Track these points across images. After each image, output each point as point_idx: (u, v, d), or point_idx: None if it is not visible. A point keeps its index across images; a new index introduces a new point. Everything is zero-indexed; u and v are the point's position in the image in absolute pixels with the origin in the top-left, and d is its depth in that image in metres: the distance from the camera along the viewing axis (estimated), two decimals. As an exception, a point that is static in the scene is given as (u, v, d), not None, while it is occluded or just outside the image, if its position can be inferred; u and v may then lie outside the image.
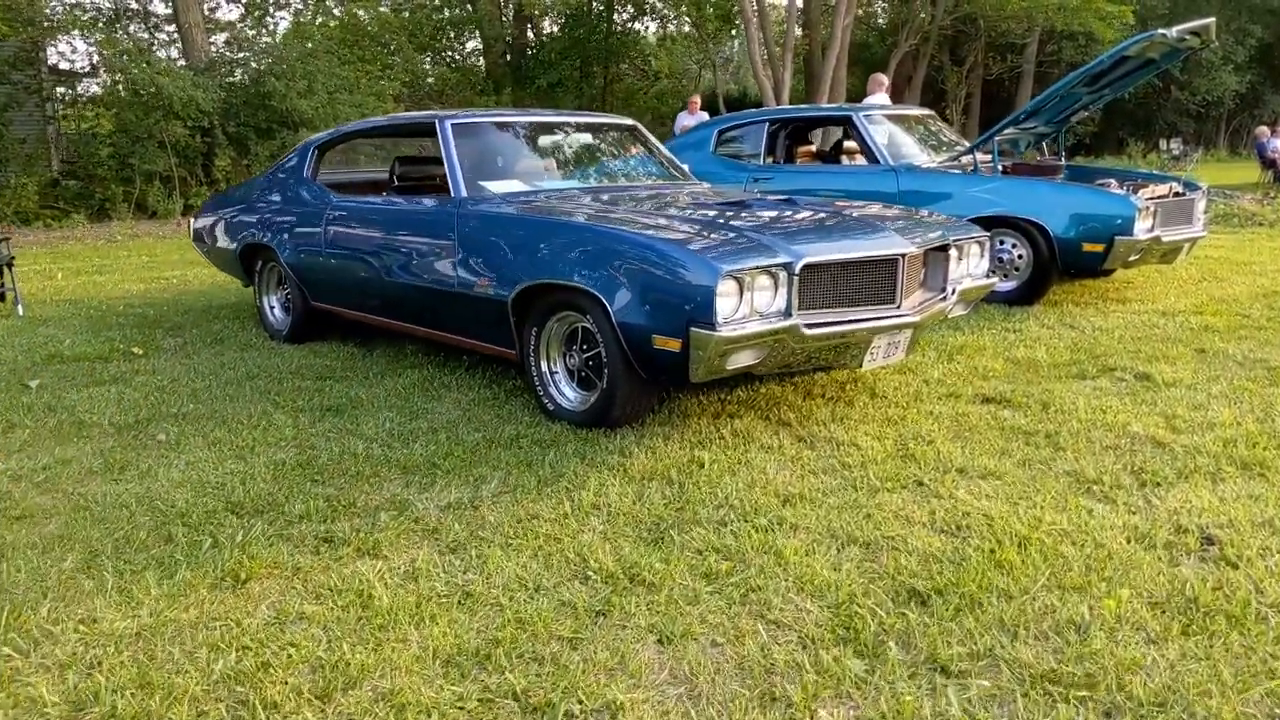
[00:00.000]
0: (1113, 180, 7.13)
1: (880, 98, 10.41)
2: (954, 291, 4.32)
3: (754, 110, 8.46)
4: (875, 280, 3.88)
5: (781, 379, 4.70)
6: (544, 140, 5.30)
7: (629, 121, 5.68)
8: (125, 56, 17.06)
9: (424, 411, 4.37)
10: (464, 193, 4.59)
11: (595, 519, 3.10)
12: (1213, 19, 6.39)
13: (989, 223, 6.62)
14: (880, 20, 31.17)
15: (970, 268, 4.52)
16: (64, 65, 21.13)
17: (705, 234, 3.76)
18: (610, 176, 5.30)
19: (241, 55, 18.79)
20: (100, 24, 20.30)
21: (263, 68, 17.94)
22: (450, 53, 27.24)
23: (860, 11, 32.21)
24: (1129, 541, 2.84)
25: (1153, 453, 3.62)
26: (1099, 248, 6.21)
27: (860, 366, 3.94)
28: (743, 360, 3.60)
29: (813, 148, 8.25)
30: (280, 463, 3.67)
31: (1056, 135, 7.77)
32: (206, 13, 23.70)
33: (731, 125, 8.21)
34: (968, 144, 7.48)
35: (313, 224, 5.50)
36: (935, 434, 3.87)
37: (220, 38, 20.76)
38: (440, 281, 4.56)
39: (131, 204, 16.49)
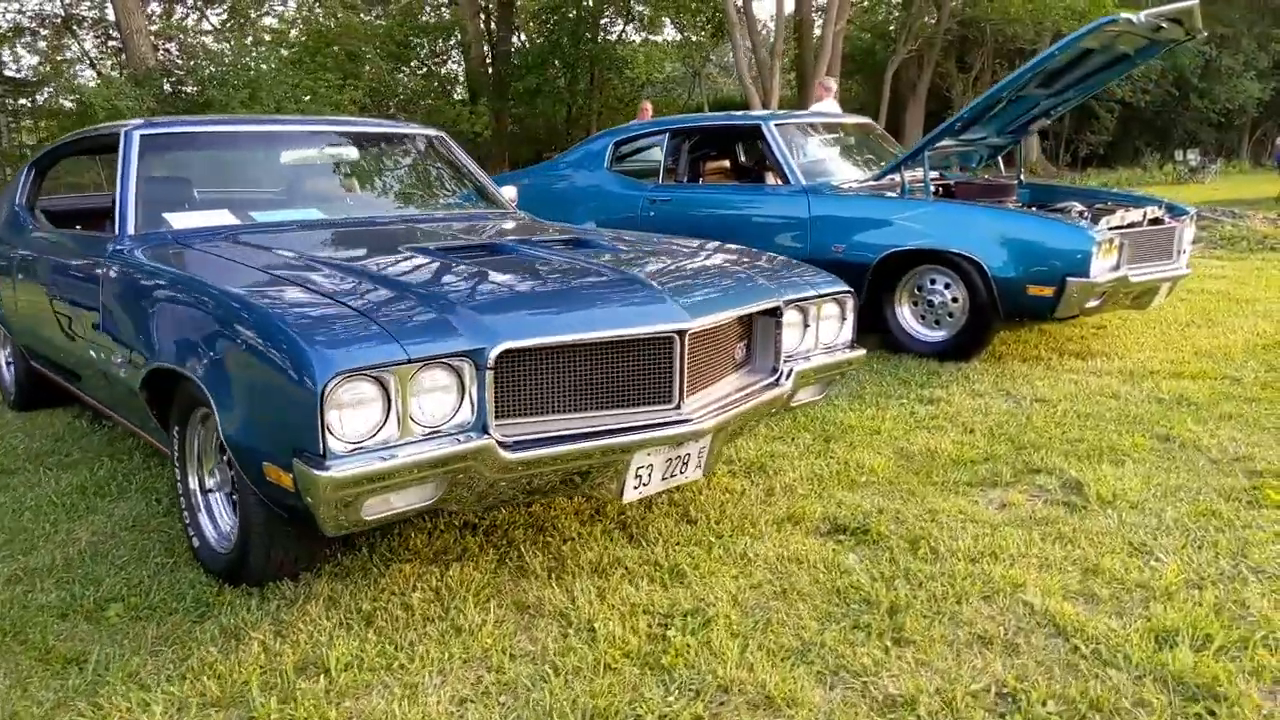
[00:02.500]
0: (1075, 203, 5.79)
1: (828, 104, 9.13)
2: (790, 374, 3.01)
3: (655, 120, 7.21)
4: (637, 370, 2.58)
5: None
6: (290, 157, 4.04)
7: (431, 132, 4.42)
8: (47, 66, 16.02)
9: (53, 536, 3.12)
10: (131, 229, 3.34)
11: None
12: (1195, 2, 5.06)
13: (917, 257, 5.30)
14: (889, 26, 29.75)
15: (822, 337, 3.21)
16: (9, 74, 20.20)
17: (374, 301, 2.47)
18: (375, 204, 4.02)
19: (180, 62, 17.70)
20: (45, 32, 19.37)
21: (203, 75, 16.86)
22: (427, 62, 26.13)
23: (860, 17, 30.91)
24: None
25: (1046, 653, 2.30)
26: (1047, 291, 4.88)
27: (621, 497, 2.64)
28: (400, 503, 2.32)
29: (725, 163, 6.95)
30: None
31: (1012, 147, 6.43)
32: (178, 20, 22.78)
33: (629, 137, 6.93)
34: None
35: (11, 261, 4.29)
36: (720, 606, 2.56)
37: (176, 45, 19.70)
38: (92, 347, 3.32)
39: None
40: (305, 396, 2.11)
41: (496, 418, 2.40)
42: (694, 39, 25.77)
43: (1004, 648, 2.32)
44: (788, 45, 24.05)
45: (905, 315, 5.48)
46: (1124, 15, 4.67)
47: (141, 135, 3.55)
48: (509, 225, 3.82)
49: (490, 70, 25.86)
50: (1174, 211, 5.82)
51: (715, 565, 2.79)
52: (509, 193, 4.53)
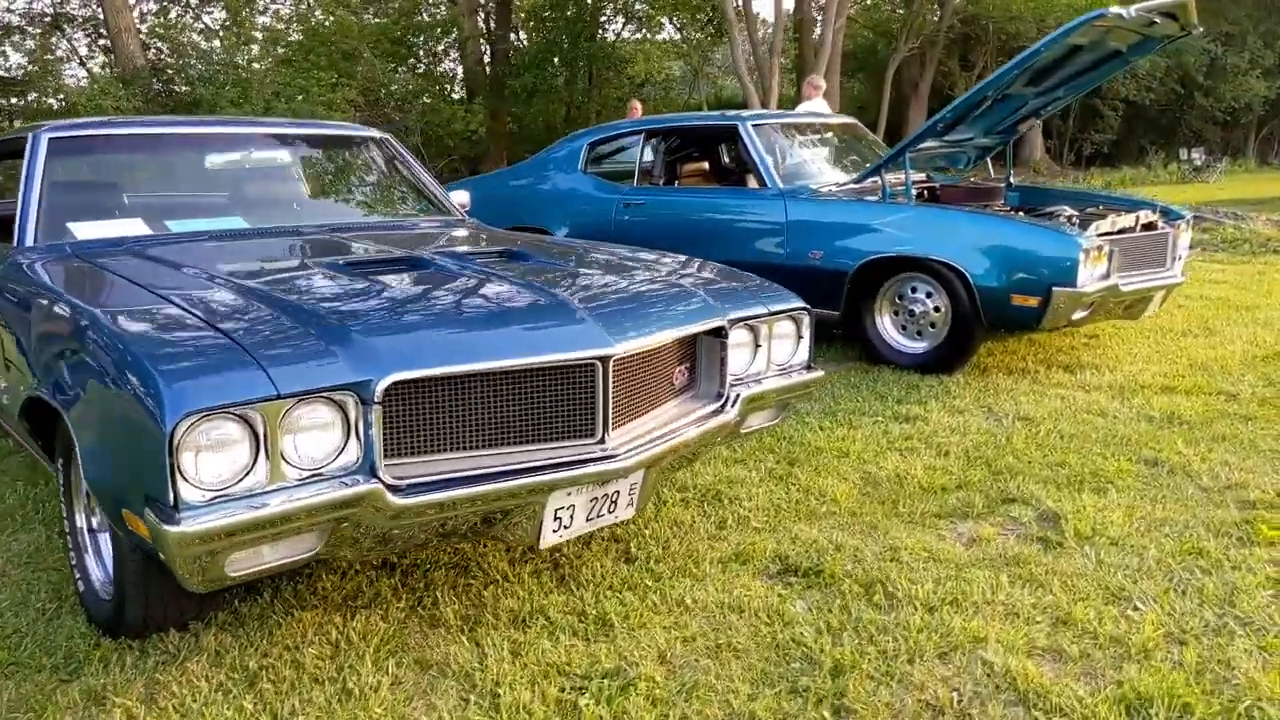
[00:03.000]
0: (1065, 207, 5.51)
1: (816, 104, 8.85)
2: (737, 400, 2.75)
3: (631, 120, 6.95)
4: (555, 401, 2.32)
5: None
6: (216, 161, 3.79)
7: (372, 134, 4.17)
8: (35, 66, 15.83)
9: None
10: (30, 239, 3.08)
11: None
12: (1189, -6, 4.79)
13: (897, 265, 5.03)
14: (893, 25, 29.37)
15: (776, 358, 2.95)
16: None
17: (256, 325, 2.21)
18: (303, 211, 3.76)
19: (170, 61, 17.46)
20: (36, 31, 19.17)
21: (192, 74, 16.64)
22: (424, 60, 25.86)
23: (863, 15, 30.60)
24: None
25: (1001, 722, 2.04)
26: (1032, 301, 4.61)
27: (538, 542, 2.38)
28: (274, 557, 2.07)
29: (704, 165, 6.67)
30: None
31: (1002, 148, 6.15)
32: (175, 19, 22.54)
33: (604, 137, 6.66)
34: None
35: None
36: (644, 666, 2.29)
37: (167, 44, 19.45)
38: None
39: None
40: (153, 438, 1.85)
41: (388, 457, 2.14)
42: (693, 38, 25.46)
43: (956, 719, 2.05)
44: (788, 44, 23.76)
45: (886, 325, 5.21)
46: (1114, 9, 4.40)
47: (50, 139, 3.29)
48: (443, 235, 3.56)
49: (488, 69, 25.60)
50: (1169, 215, 5.55)
51: (647, 614, 2.53)
52: (459, 197, 4.27)
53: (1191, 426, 4.03)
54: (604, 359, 2.31)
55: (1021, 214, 5.32)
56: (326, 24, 21.66)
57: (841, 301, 5.25)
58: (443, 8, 25.19)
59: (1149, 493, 3.30)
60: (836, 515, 3.19)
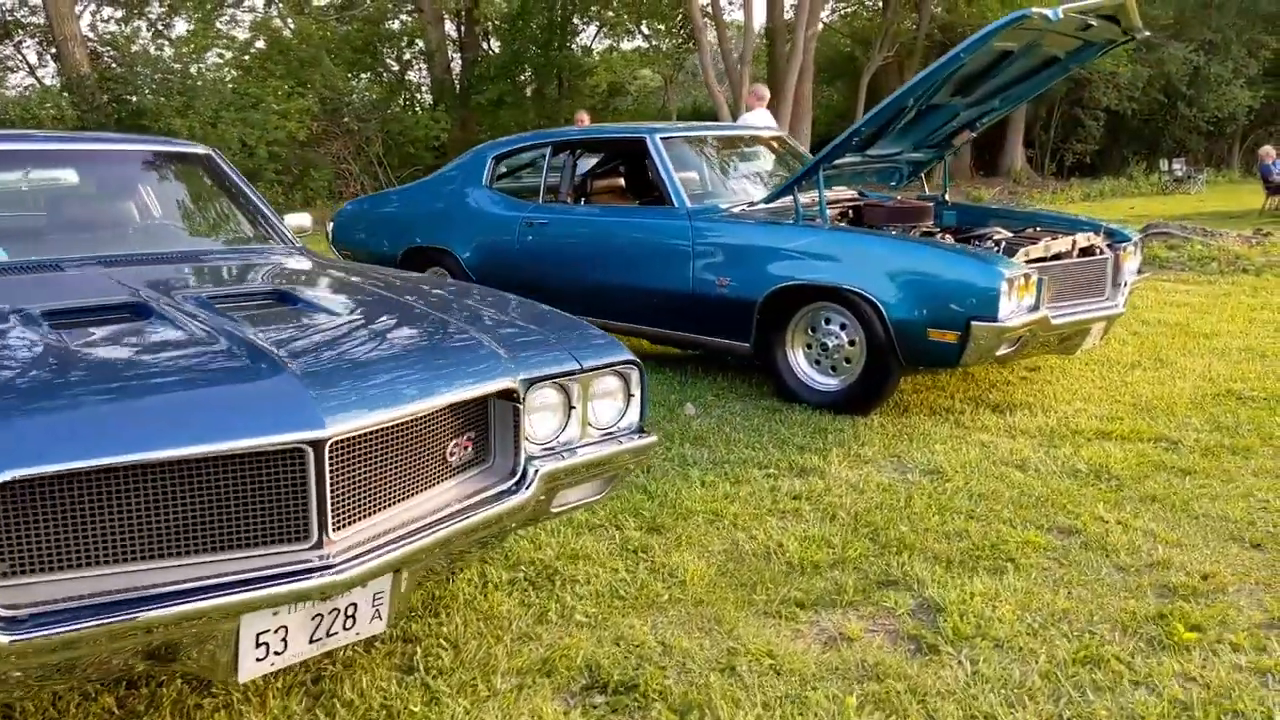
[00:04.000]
0: (998, 229, 5.04)
1: (759, 114, 8.38)
2: (535, 476, 2.25)
3: (537, 131, 6.44)
4: (251, 498, 1.82)
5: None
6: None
7: (193, 150, 3.67)
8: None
9: None
10: None
11: None
12: (1126, -6, 4.33)
13: (808, 293, 4.55)
14: (871, 33, 28.96)
15: (597, 420, 2.45)
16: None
17: None
18: (85, 240, 3.23)
19: (117, 70, 16.91)
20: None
21: (137, 83, 16.12)
22: (389, 70, 25.39)
23: (841, 24, 30.25)
24: None
25: None
26: (950, 336, 4.12)
27: (236, 674, 1.87)
28: None
29: (620, 182, 6.18)
30: None
31: (936, 163, 5.68)
32: (131, 29, 22.02)
33: (511, 150, 6.17)
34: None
35: None
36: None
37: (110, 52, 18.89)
38: None
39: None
40: None
41: (3, 578, 1.64)
42: (663, 46, 25.04)
43: None
44: (759, 52, 23.36)
45: (798, 359, 4.72)
46: (1038, 10, 3.92)
47: None
48: (224, 268, 3.05)
49: (457, 79, 25.15)
50: (1115, 238, 5.08)
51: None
52: (297, 221, 3.78)
53: (1120, 484, 3.54)
54: (315, 443, 1.81)
55: (947, 237, 4.84)
56: (285, 32, 21.16)
57: (751, 333, 4.76)
58: (408, 18, 24.71)
59: (1054, 574, 2.81)
60: (681, 604, 2.69)
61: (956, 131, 5.36)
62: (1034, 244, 4.52)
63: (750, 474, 3.72)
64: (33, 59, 20.01)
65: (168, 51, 18.30)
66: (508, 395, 2.22)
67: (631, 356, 2.49)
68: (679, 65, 26.85)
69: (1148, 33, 5.00)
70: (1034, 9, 3.91)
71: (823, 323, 4.61)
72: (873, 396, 4.49)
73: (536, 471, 2.25)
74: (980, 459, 3.85)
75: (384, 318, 2.47)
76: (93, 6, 23.73)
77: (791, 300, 4.62)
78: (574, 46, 25.60)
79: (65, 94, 16.20)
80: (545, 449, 2.34)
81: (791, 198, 4.82)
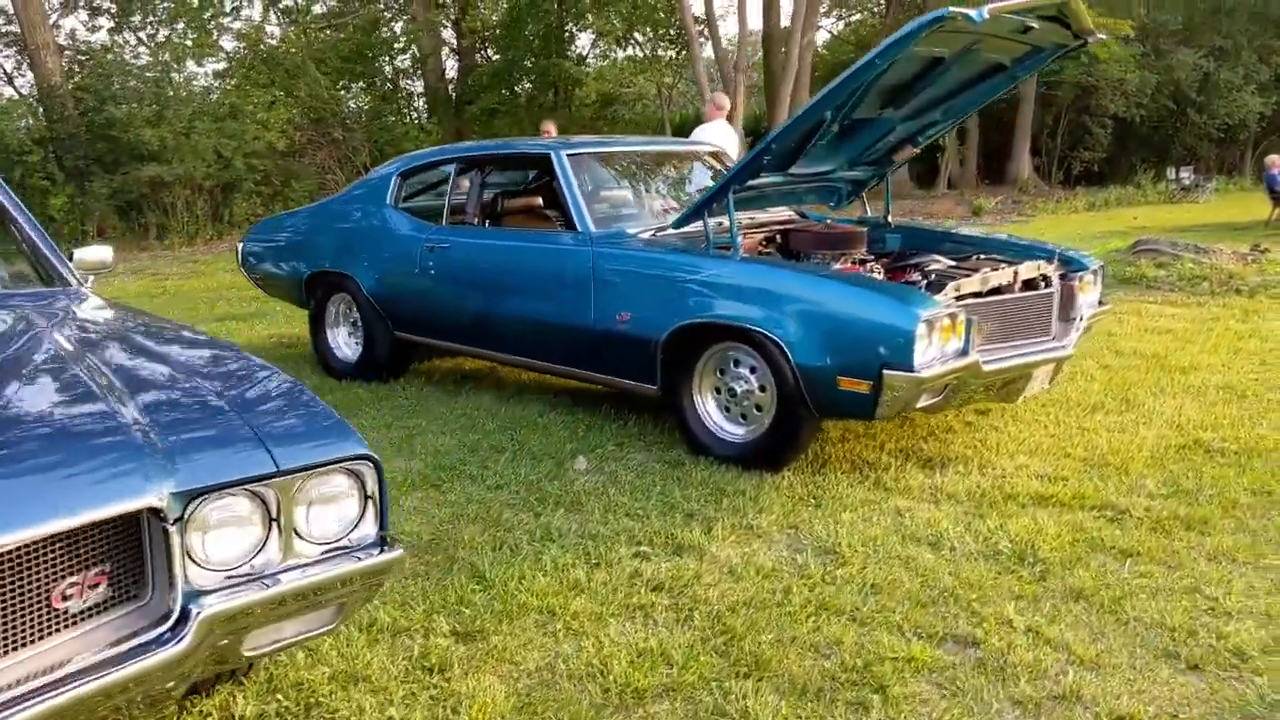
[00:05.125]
0: (936, 257, 4.47)
1: (717, 126, 7.84)
2: (196, 619, 1.71)
3: (444, 146, 5.87)
4: None
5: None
6: None
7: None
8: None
9: None
10: None
11: None
12: (1069, -7, 3.77)
13: (714, 332, 4.00)
14: (874, 39, 28.37)
15: (321, 532, 1.91)
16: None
17: None
18: None
19: (92, 80, 16.52)
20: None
21: (106, 92, 15.72)
22: (385, 79, 24.97)
23: (844, 32, 29.70)
24: None
25: None
26: (862, 386, 3.55)
27: None
28: None
29: (537, 201, 5.64)
30: None
31: (878, 180, 5.11)
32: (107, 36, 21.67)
33: (418, 165, 5.64)
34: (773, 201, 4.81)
35: None
36: None
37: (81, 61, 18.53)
38: None
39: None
40: None
41: None
42: (661, 55, 24.52)
43: None
44: (754, 61, 22.84)
45: (707, 406, 4.17)
46: (957, 10, 3.36)
47: None
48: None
49: (452, 88, 24.73)
50: (1072, 266, 4.51)
51: None
52: (96, 255, 3.26)
53: (1045, 571, 2.97)
54: None
55: (875, 268, 4.28)
56: (271, 39, 20.76)
57: (657, 375, 4.21)
58: (401, 26, 24.31)
59: (929, 711, 2.25)
60: (454, 752, 2.14)
61: (896, 147, 4.79)
62: (970, 276, 3.96)
63: (616, 553, 3.17)
64: (10, 67, 19.64)
65: (143, 59, 17.83)
66: (154, 513, 1.68)
67: (364, 450, 1.95)
68: (678, 74, 26.34)
69: (1102, 36, 4.43)
70: (953, 9, 3.35)
71: (731, 365, 4.06)
72: (784, 450, 3.93)
73: (198, 613, 1.71)
74: (889, 534, 3.28)
75: (21, 398, 1.93)
76: (84, 16, 23.50)
77: (697, 339, 4.07)
78: (571, 55, 25.10)
79: (38, 104, 15.87)
80: (233, 577, 1.80)
81: (714, 222, 4.25)
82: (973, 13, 3.42)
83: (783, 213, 5.25)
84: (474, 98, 23.06)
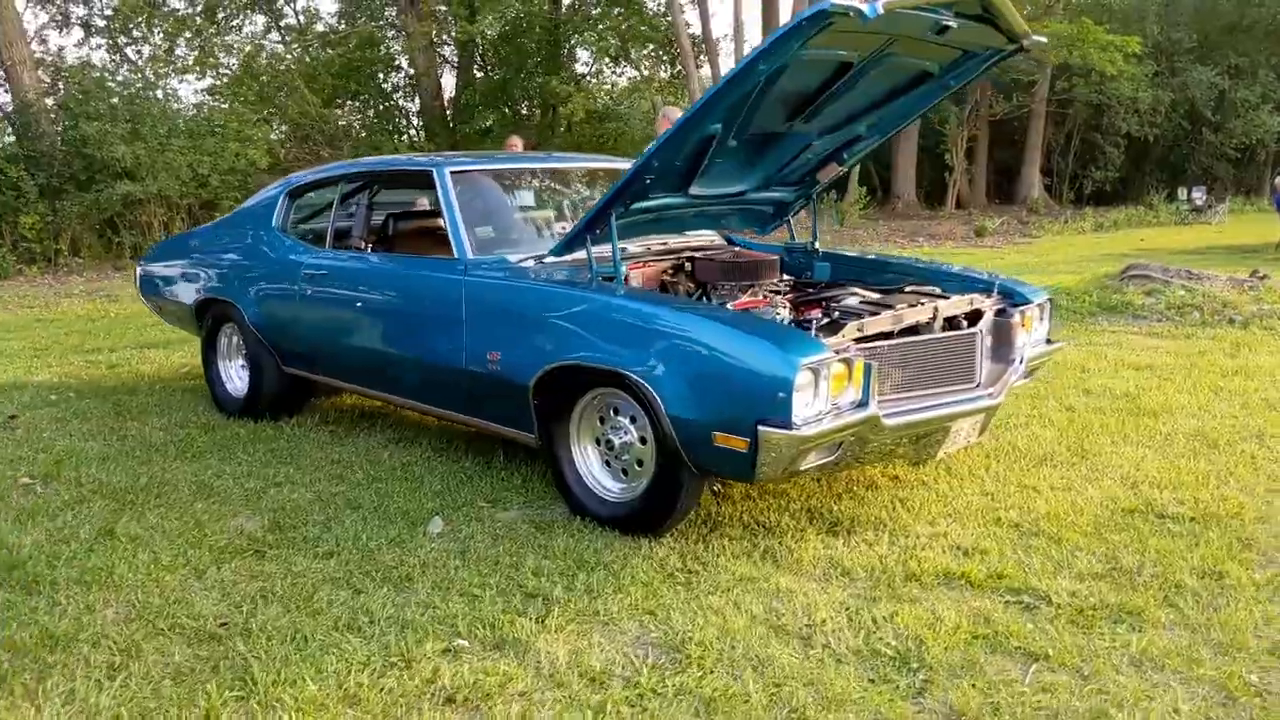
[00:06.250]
0: (855, 290, 3.95)
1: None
2: None
3: (336, 163, 5.37)
4: None
5: None
6: None
7: None
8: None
9: None
10: None
11: None
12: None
13: (588, 376, 3.47)
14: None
15: None
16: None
17: None
18: None
19: (74, 95, 16.24)
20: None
21: (79, 110, 15.43)
22: (376, 97, 24.69)
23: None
24: None
25: None
26: (739, 443, 3.02)
27: None
28: None
29: (435, 221, 5.14)
30: None
31: (804, 201, 4.58)
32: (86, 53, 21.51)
33: (305, 184, 5.17)
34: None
35: None
36: None
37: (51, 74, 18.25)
38: None
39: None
40: None
41: None
42: (648, 73, 24.11)
43: None
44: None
45: (588, 460, 3.65)
46: (842, 5, 2.84)
47: None
48: None
49: (447, 107, 24.43)
50: (1014, 300, 3.97)
51: None
52: None
53: (927, 683, 2.42)
54: None
55: (780, 303, 3.74)
56: (258, 58, 20.51)
57: (534, 423, 3.70)
58: (395, 45, 24.05)
59: None
60: None
61: (819, 166, 4.27)
62: (878, 314, 3.42)
63: (424, 648, 2.65)
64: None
65: (122, 75, 17.57)
66: None
67: None
68: (680, 93, 25.93)
69: (1043, 40, 3.90)
70: (836, 3, 2.83)
71: (611, 413, 3.54)
72: (664, 513, 3.39)
73: None
74: (754, 625, 2.75)
75: None
76: (79, 34, 23.39)
77: (571, 383, 3.56)
78: (567, 74, 24.74)
79: (7, 121, 15.61)
80: None
81: (608, 248, 3.73)
82: (864, 8, 2.91)
83: (707, 237, 4.75)
84: (469, 116, 22.71)
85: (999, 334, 3.82)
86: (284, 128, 19.28)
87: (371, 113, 24.19)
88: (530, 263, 3.96)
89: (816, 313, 3.54)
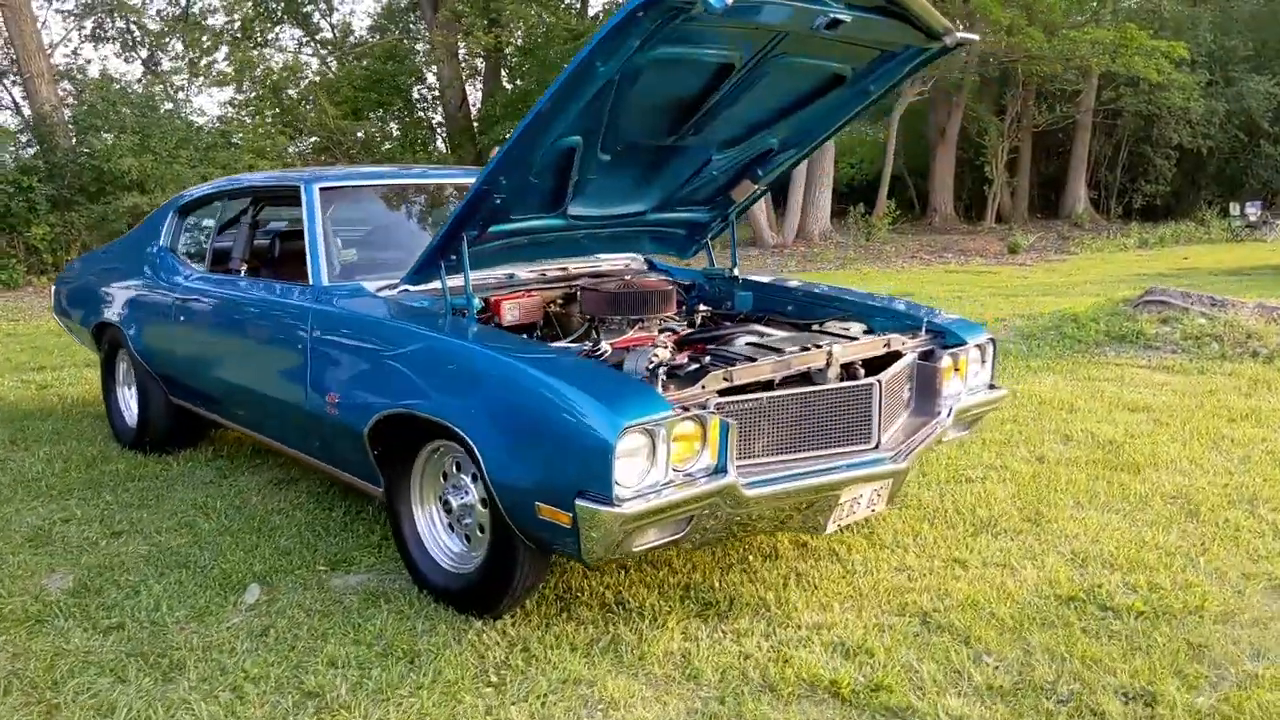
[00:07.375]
0: (756, 328, 3.41)
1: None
2: None
3: (222, 179, 4.92)
4: None
5: None
6: None
7: None
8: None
9: None
10: None
11: None
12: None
13: (423, 427, 2.97)
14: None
15: None
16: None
17: None
18: None
19: (90, 108, 16.22)
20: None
21: (87, 122, 15.39)
22: (401, 110, 24.54)
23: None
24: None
25: None
26: (563, 517, 2.49)
27: None
28: None
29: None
30: None
31: (721, 222, 4.04)
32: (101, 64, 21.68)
33: (194, 200, 4.74)
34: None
35: None
36: None
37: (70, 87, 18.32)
38: None
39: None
40: None
41: None
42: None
43: None
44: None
45: (433, 520, 3.15)
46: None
47: None
48: None
49: (476, 117, 24.21)
50: (945, 340, 3.40)
51: None
52: None
53: None
54: None
55: (660, 342, 3.21)
56: (277, 68, 20.45)
57: (377, 474, 3.22)
58: (421, 56, 23.91)
59: None
60: None
61: (731, 183, 3.74)
62: (754, 360, 2.87)
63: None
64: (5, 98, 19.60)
65: (135, 87, 17.56)
66: None
67: None
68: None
69: (971, 36, 3.32)
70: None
71: (454, 469, 3.04)
72: (500, 590, 2.88)
73: None
74: (547, 752, 2.22)
75: None
76: (115, 48, 23.60)
77: (409, 434, 3.06)
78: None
79: (23, 132, 15.63)
80: None
81: (461, 275, 3.23)
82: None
83: (624, 261, 4.25)
84: (489, 127, 22.43)
85: (922, 381, 3.25)
86: (312, 139, 19.13)
87: (394, 125, 23.99)
88: (388, 291, 3.48)
89: (683, 357, 2.99)
